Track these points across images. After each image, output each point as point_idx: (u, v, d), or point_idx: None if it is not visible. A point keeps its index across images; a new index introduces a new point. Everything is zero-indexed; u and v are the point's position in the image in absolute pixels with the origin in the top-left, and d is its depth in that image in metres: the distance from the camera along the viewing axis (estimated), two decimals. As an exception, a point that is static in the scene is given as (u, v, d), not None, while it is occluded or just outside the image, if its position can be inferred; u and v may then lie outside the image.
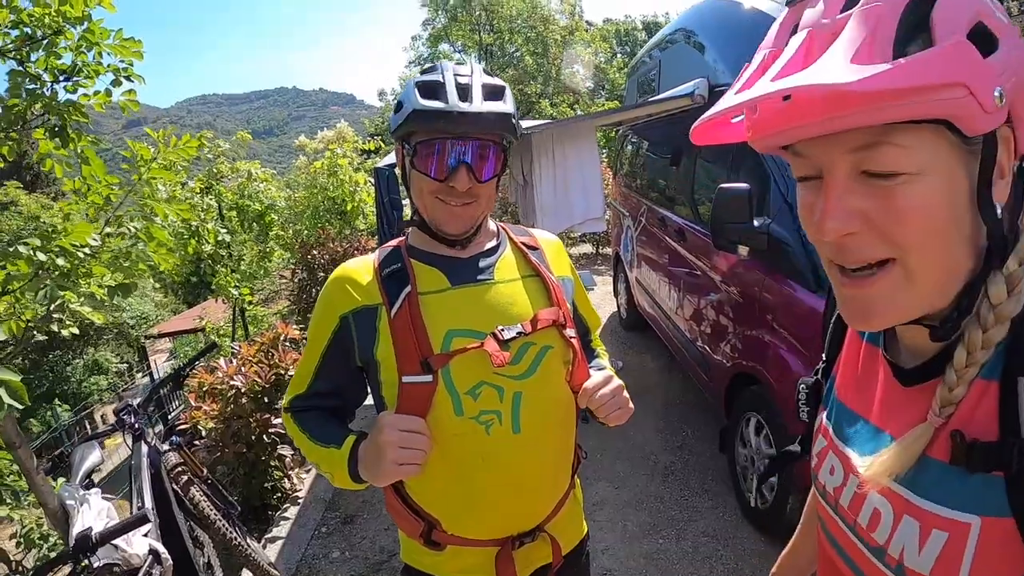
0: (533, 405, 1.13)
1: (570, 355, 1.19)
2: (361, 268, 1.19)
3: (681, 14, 4.65)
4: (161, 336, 17.14)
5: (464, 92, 1.06)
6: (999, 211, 0.56)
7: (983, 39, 0.50)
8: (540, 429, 1.15)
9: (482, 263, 1.20)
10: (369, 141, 15.09)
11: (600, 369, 1.28)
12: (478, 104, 1.06)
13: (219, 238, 5.26)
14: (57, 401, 7.10)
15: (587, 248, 11.75)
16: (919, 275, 0.56)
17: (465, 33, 17.75)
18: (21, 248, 1.96)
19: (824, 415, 0.79)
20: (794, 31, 0.58)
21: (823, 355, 0.84)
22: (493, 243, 1.25)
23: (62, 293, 2.03)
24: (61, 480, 3.04)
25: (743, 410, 3.00)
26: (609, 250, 8.52)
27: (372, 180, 6.08)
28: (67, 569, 1.69)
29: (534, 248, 1.28)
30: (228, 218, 5.89)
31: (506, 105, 1.09)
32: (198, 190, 5.71)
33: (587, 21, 20.70)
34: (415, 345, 1.08)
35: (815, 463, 0.79)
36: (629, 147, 6.05)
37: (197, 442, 3.19)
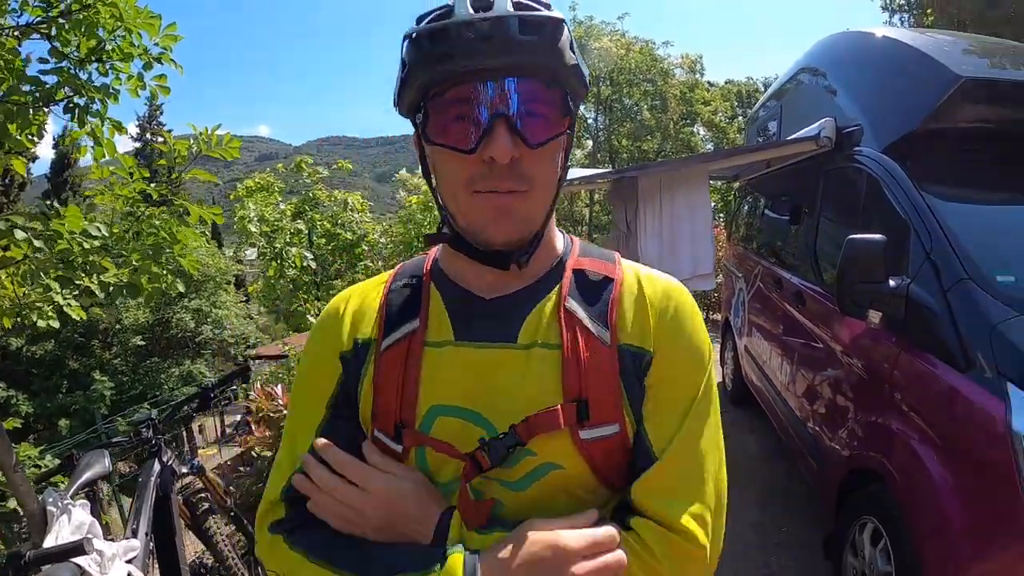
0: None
1: (593, 483, 0.75)
2: (371, 290, 0.86)
3: (804, 53, 4.28)
4: (259, 359, 16.99)
5: (481, 2, 0.66)
6: None
7: None
8: None
9: (506, 311, 0.79)
10: None
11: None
12: (504, 7, 0.65)
13: (304, 264, 5.25)
14: (147, 405, 7.50)
15: (695, 313, 11.09)
16: None
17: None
18: (18, 232, 1.89)
19: None
20: None
21: None
22: (543, 273, 0.81)
23: (47, 280, 1.95)
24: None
25: (858, 512, 2.40)
26: (719, 316, 7.89)
27: None
28: None
29: (593, 287, 0.80)
30: (318, 245, 5.89)
31: (554, 12, 0.68)
32: (289, 213, 5.79)
33: (708, 81, 20.52)
34: (397, 399, 0.75)
35: None
36: (746, 206, 5.60)
37: (242, 468, 3.06)
